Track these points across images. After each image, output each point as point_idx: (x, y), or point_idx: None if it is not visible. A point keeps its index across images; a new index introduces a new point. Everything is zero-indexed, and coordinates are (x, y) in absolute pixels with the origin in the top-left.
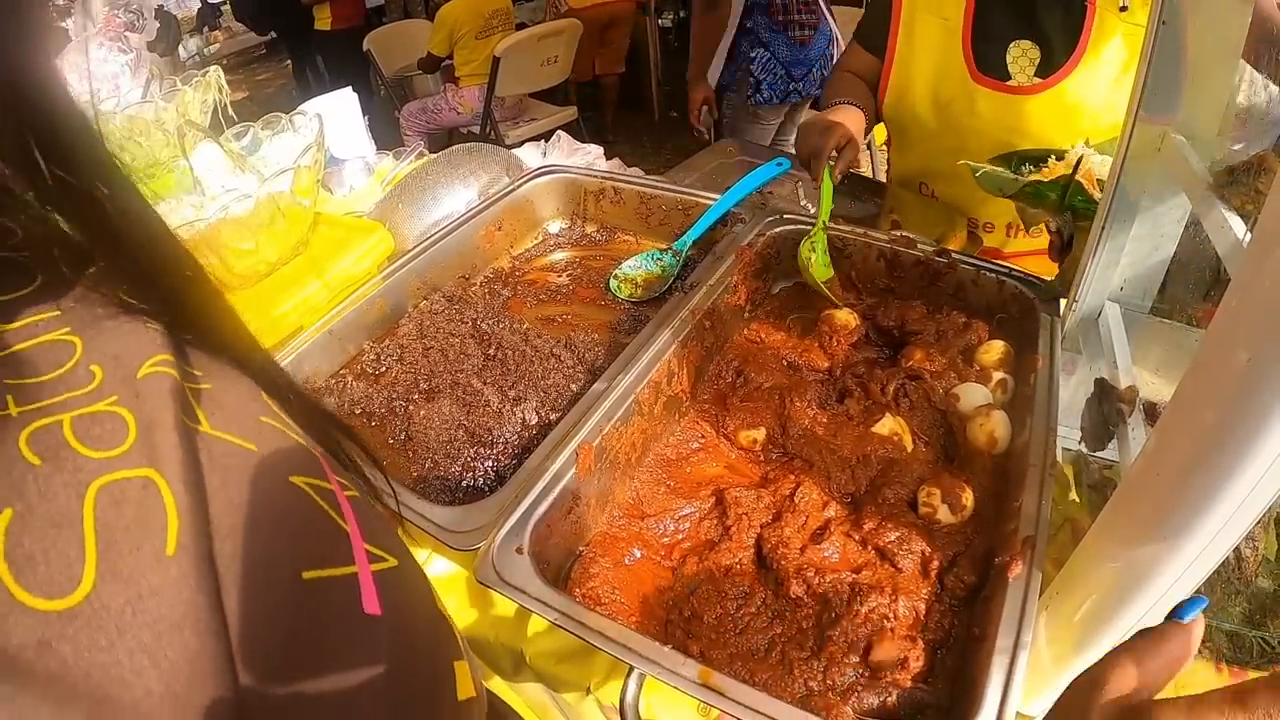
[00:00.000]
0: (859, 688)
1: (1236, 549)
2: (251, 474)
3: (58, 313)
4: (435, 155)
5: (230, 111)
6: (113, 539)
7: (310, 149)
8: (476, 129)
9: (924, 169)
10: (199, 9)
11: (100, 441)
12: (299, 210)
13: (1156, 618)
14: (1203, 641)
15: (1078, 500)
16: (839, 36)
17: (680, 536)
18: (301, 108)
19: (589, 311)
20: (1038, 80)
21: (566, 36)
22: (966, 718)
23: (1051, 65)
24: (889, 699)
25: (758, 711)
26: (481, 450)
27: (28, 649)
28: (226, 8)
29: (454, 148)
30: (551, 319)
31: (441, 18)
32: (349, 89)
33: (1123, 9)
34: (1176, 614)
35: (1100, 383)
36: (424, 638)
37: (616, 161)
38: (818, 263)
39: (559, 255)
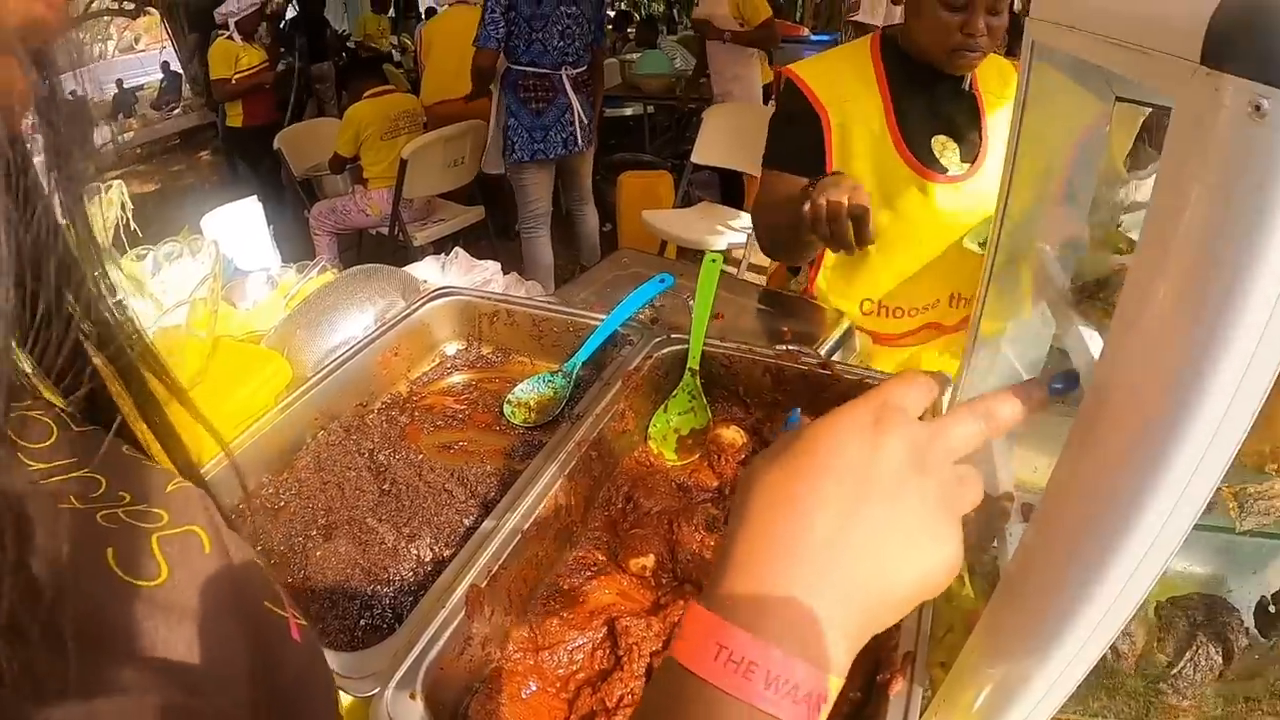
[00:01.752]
0: None
1: (1114, 645)
2: (235, 542)
3: (75, 459)
4: (333, 280)
5: (134, 225)
6: (173, 559)
7: (207, 280)
8: (385, 230)
9: (889, 282)
10: (115, 95)
11: (145, 520)
12: (195, 343)
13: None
14: None
15: (971, 594)
16: (578, 107)
17: (575, 668)
18: (204, 220)
19: (484, 438)
20: (967, 166)
21: (472, 138)
22: None
23: (971, 152)
24: None
25: None
26: (378, 589)
27: (140, 600)
28: (142, 94)
29: (351, 270)
30: (448, 446)
31: (349, 118)
32: (254, 198)
33: None
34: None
35: None
36: (324, 675)
37: (514, 276)
38: (668, 449)
39: (456, 378)
